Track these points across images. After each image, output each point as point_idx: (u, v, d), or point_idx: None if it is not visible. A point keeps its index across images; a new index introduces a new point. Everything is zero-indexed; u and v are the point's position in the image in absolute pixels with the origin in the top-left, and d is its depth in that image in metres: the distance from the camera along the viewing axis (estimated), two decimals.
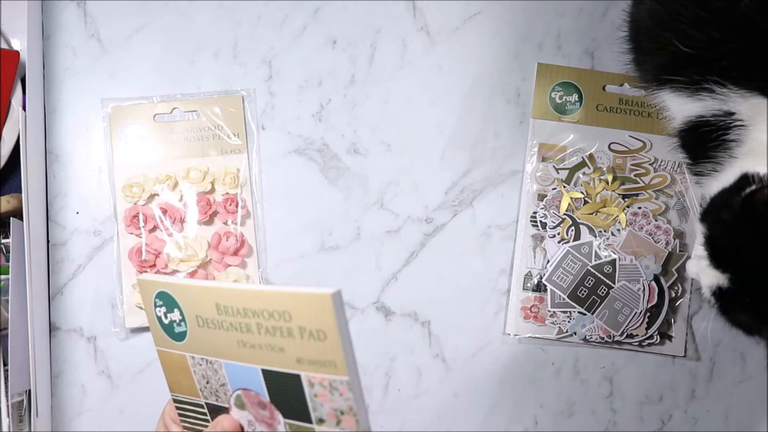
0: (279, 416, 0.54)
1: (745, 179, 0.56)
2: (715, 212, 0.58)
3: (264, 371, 0.52)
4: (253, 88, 0.76)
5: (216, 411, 0.56)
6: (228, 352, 0.53)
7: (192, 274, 0.72)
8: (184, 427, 0.57)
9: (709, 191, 0.61)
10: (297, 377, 0.51)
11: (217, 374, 0.54)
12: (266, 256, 0.74)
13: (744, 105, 0.56)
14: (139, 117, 0.75)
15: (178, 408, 0.57)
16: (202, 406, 0.56)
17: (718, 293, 0.57)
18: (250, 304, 0.51)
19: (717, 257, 0.57)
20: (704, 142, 0.59)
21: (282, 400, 0.53)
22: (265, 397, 0.53)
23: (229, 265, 0.73)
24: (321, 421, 0.52)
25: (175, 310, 0.54)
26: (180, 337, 0.55)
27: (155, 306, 0.54)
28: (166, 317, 0.54)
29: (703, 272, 0.59)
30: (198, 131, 0.75)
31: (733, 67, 0.56)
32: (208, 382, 0.55)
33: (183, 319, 0.54)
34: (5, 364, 0.68)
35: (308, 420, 0.52)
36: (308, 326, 0.49)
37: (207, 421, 0.56)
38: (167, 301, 0.54)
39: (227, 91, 0.76)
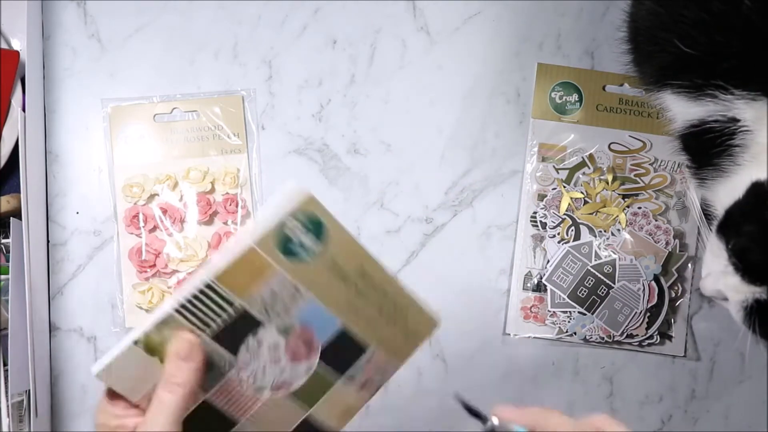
0: (316, 358, 0.60)
1: (759, 187, 0.55)
2: (736, 225, 0.57)
3: (344, 330, 0.60)
4: (253, 88, 0.76)
5: (242, 318, 0.58)
6: (327, 298, 0.59)
7: (192, 274, 0.72)
8: (182, 305, 0.56)
9: (712, 195, 0.61)
10: (366, 347, 0.61)
11: (294, 301, 0.59)
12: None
13: (748, 109, 0.55)
14: (139, 117, 0.75)
15: (201, 293, 0.55)
16: (231, 304, 0.57)
17: (756, 307, 0.56)
18: (389, 288, 0.60)
19: (750, 270, 0.55)
20: (707, 147, 0.59)
21: (332, 351, 0.60)
22: (320, 341, 0.60)
23: None
24: (351, 378, 0.61)
25: (318, 239, 0.58)
26: (295, 257, 0.58)
27: (295, 219, 0.57)
28: (295, 235, 0.58)
29: (732, 288, 0.57)
30: (198, 131, 0.75)
31: (736, 70, 0.55)
32: (271, 298, 0.58)
33: (314, 251, 0.58)
34: (5, 364, 0.68)
35: (340, 372, 0.61)
36: (409, 327, 0.61)
37: (219, 317, 0.57)
38: (315, 227, 0.58)
39: (227, 91, 0.76)
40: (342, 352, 0.61)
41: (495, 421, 0.54)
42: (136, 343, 0.55)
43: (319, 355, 0.60)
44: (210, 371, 0.58)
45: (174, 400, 0.53)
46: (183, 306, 0.56)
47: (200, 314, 0.56)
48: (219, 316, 0.57)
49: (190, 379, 0.54)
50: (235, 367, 0.59)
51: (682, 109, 0.61)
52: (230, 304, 0.57)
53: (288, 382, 0.60)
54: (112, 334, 0.73)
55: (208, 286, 0.56)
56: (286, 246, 0.58)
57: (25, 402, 0.70)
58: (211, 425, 0.59)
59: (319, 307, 0.60)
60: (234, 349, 0.58)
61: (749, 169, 0.56)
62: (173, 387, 0.53)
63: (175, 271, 0.73)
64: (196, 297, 0.56)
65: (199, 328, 0.57)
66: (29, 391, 0.67)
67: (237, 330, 0.58)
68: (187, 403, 0.54)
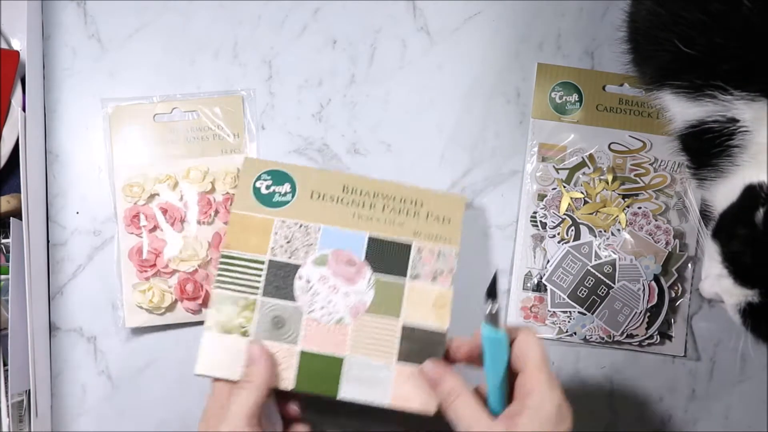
0: (367, 272, 0.67)
1: (751, 191, 0.55)
2: (729, 229, 0.57)
3: (371, 238, 0.68)
4: (253, 88, 0.76)
5: (276, 267, 0.67)
6: (335, 220, 0.68)
7: (193, 274, 0.72)
8: (217, 281, 0.66)
9: (711, 196, 0.61)
10: (408, 244, 0.68)
11: (308, 236, 0.67)
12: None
13: (747, 110, 0.55)
14: (139, 117, 0.75)
15: (223, 263, 0.66)
16: (261, 262, 0.67)
17: (749, 310, 0.56)
18: (384, 191, 0.69)
19: (742, 274, 0.56)
20: (706, 148, 0.59)
21: (379, 259, 0.67)
22: (360, 257, 0.67)
23: None
24: (416, 276, 0.67)
25: (286, 184, 0.68)
26: (278, 204, 0.68)
27: (257, 179, 0.69)
28: (267, 189, 0.68)
29: (727, 292, 0.57)
30: (198, 131, 0.75)
31: (736, 71, 0.55)
32: (288, 242, 0.67)
33: (292, 192, 0.68)
34: (5, 364, 0.68)
35: (402, 275, 0.67)
36: (437, 213, 0.69)
37: (258, 276, 0.66)
38: (278, 177, 0.69)
39: (227, 91, 0.76)
40: (389, 258, 0.67)
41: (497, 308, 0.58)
42: (209, 330, 0.65)
43: (368, 268, 0.67)
44: (284, 326, 0.65)
45: (245, 394, 0.60)
46: (220, 282, 0.66)
47: (240, 281, 0.66)
48: (257, 275, 0.66)
49: (260, 372, 0.61)
50: (304, 312, 0.66)
51: (681, 110, 0.61)
52: (258, 261, 0.66)
53: (359, 302, 0.66)
54: (112, 334, 0.74)
55: (225, 257, 0.66)
56: (266, 199, 0.68)
57: (25, 402, 0.70)
58: (322, 371, 0.65)
59: (334, 231, 0.68)
60: (291, 296, 0.66)
61: (747, 169, 0.56)
62: (244, 383, 0.61)
63: (175, 271, 0.72)
64: (224, 270, 0.66)
65: (249, 292, 0.66)
66: (29, 391, 0.67)
67: (280, 279, 0.66)
68: (262, 394, 0.61)
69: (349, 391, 0.65)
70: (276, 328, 0.65)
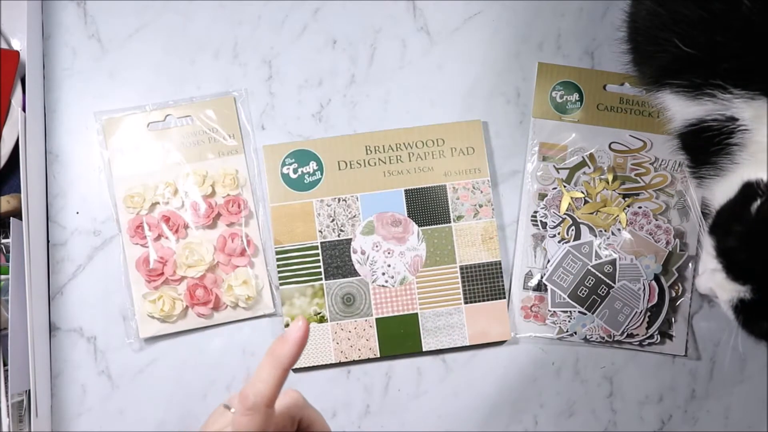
0: (414, 227, 0.70)
1: (749, 187, 0.55)
2: (725, 224, 0.57)
3: (407, 191, 0.70)
4: (245, 88, 0.76)
5: (330, 248, 0.70)
6: (370, 185, 0.70)
7: (201, 279, 0.72)
8: (281, 277, 0.69)
9: (710, 195, 0.61)
10: (443, 188, 0.71)
11: (349, 209, 0.70)
12: (273, 255, 0.74)
13: (747, 108, 0.55)
14: (133, 127, 0.75)
15: (280, 259, 0.70)
16: (315, 248, 0.70)
17: (741, 306, 0.57)
18: (404, 139, 0.71)
19: (735, 270, 0.56)
20: (705, 146, 0.59)
21: (421, 212, 0.70)
22: (403, 214, 0.70)
23: (237, 266, 0.73)
24: (459, 217, 0.71)
25: (312, 162, 0.71)
26: (311, 185, 0.70)
27: (283, 166, 0.71)
28: (295, 172, 0.70)
29: (720, 287, 0.58)
30: (193, 136, 0.75)
31: (735, 70, 0.56)
32: (333, 220, 0.70)
33: (319, 168, 0.70)
34: (5, 364, 0.68)
35: (447, 220, 0.70)
36: (459, 145, 0.72)
37: (317, 262, 0.70)
38: (301, 157, 0.71)
39: (219, 93, 0.76)
40: (429, 206, 0.70)
41: None
42: (287, 325, 0.68)
43: (413, 223, 0.70)
44: (354, 301, 0.69)
45: (271, 372, 0.56)
46: (282, 278, 0.69)
47: (301, 271, 0.69)
48: (315, 261, 0.69)
49: (290, 353, 0.57)
50: (369, 282, 0.70)
51: (680, 109, 0.61)
52: (312, 248, 0.70)
53: (416, 258, 0.70)
54: (126, 345, 0.73)
55: (279, 252, 0.70)
56: (297, 183, 0.70)
57: (25, 402, 0.70)
58: (401, 332, 0.70)
59: (372, 195, 0.70)
60: (353, 271, 0.70)
61: (745, 168, 0.56)
62: (271, 359, 0.57)
63: (183, 278, 0.72)
64: (283, 266, 0.69)
65: (313, 279, 0.69)
66: (29, 391, 0.67)
67: (337, 258, 0.70)
68: (285, 374, 0.57)
69: (430, 342, 0.70)
70: (348, 305, 0.69)
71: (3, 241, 0.72)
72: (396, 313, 0.70)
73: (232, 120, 0.76)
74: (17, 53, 0.73)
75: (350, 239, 0.70)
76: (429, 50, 0.78)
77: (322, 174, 0.70)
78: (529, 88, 0.78)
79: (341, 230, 0.70)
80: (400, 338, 0.70)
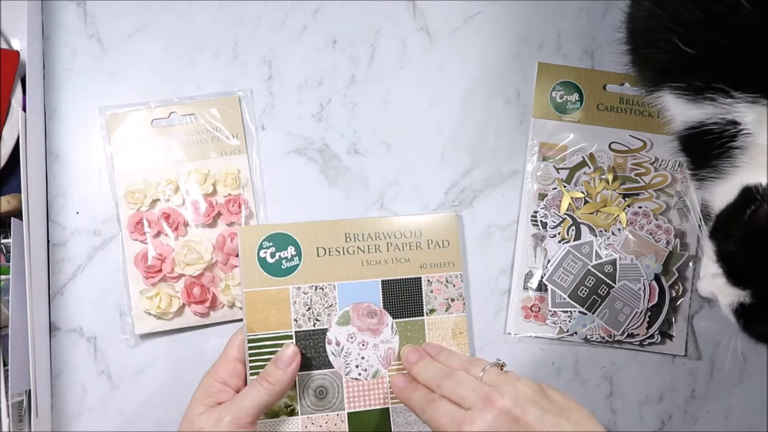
0: (388, 319, 0.68)
1: (748, 192, 0.55)
2: (724, 229, 0.57)
3: (384, 282, 0.69)
4: (250, 88, 0.76)
5: (305, 338, 0.67)
6: (347, 273, 0.68)
7: (198, 277, 0.72)
8: (251, 367, 0.66)
9: (711, 197, 0.61)
10: (417, 279, 0.69)
11: (325, 298, 0.68)
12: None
13: (748, 112, 0.55)
14: (137, 123, 0.75)
15: (252, 348, 0.66)
16: (289, 336, 0.67)
17: (741, 310, 0.57)
18: (384, 229, 0.70)
19: (734, 274, 0.56)
20: (706, 149, 0.59)
21: (396, 304, 0.68)
22: (378, 305, 0.68)
23: (235, 266, 0.73)
24: (432, 311, 0.69)
25: (290, 247, 0.68)
26: (288, 271, 0.68)
27: (260, 249, 0.68)
28: (273, 257, 0.68)
29: (721, 291, 0.58)
30: (197, 134, 0.75)
31: (736, 72, 0.56)
32: (309, 309, 0.67)
33: (298, 254, 0.68)
34: (5, 364, 0.68)
35: (420, 313, 0.69)
36: (435, 238, 0.71)
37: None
38: (279, 241, 0.68)
39: (224, 92, 0.76)
40: (404, 298, 0.69)
41: None
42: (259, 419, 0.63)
43: (388, 315, 0.68)
44: (327, 395, 0.67)
45: (260, 392, 0.62)
46: (253, 368, 0.65)
47: (263, 361, 0.65)
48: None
49: (282, 379, 0.63)
50: (343, 375, 0.67)
51: (681, 111, 0.61)
52: (285, 337, 0.66)
53: (388, 351, 0.68)
54: (121, 341, 0.73)
55: (251, 341, 0.66)
56: (274, 268, 0.68)
57: (25, 402, 0.70)
58: (372, 426, 0.67)
59: (349, 285, 0.68)
60: (327, 363, 0.67)
61: (746, 171, 0.56)
62: (265, 382, 0.63)
63: (181, 275, 0.72)
64: (254, 355, 0.66)
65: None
66: (29, 391, 0.67)
67: (311, 349, 0.67)
68: (273, 399, 0.63)
69: None
70: (320, 398, 0.67)
71: (3, 241, 0.72)
72: (368, 408, 0.68)
73: (236, 120, 0.76)
74: (17, 53, 0.73)
75: (326, 329, 0.68)
76: (429, 50, 0.78)
77: (300, 260, 0.68)
78: (529, 88, 0.78)
79: (317, 319, 0.68)
80: (373, 423, 0.68)
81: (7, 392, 0.68)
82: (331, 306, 0.68)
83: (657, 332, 0.75)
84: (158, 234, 0.73)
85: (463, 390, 0.56)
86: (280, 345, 0.66)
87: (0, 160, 0.72)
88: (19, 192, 0.69)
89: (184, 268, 0.72)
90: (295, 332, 0.67)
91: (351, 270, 0.69)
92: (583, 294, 0.74)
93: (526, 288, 0.75)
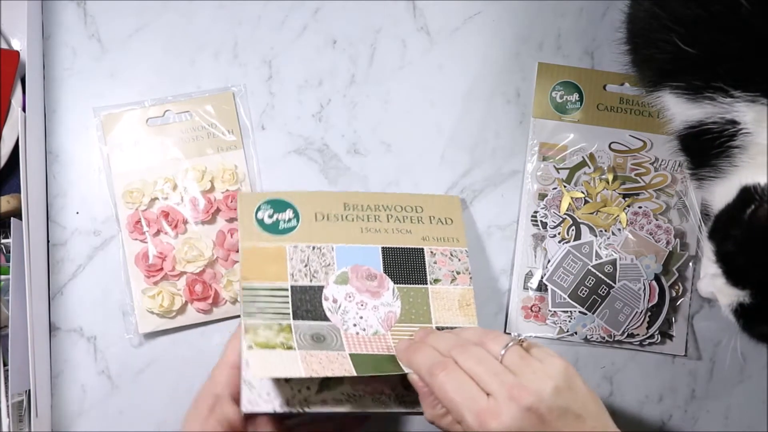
0: (389, 284, 0.68)
1: (746, 192, 0.55)
2: (723, 229, 0.57)
3: (384, 249, 0.68)
4: (244, 83, 0.76)
5: (300, 292, 0.66)
6: (345, 238, 0.68)
7: (200, 274, 0.72)
8: (246, 314, 0.64)
9: (710, 197, 0.61)
10: (420, 250, 0.69)
11: (323, 258, 0.67)
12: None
13: (748, 111, 0.55)
14: (132, 123, 0.75)
15: (247, 296, 0.65)
16: (285, 289, 0.66)
17: (740, 310, 0.57)
18: (383, 203, 0.70)
19: (734, 274, 0.56)
20: (705, 148, 0.59)
21: (397, 270, 0.68)
22: (378, 269, 0.67)
23: (236, 262, 0.73)
24: (436, 281, 0.68)
25: (287, 210, 0.68)
26: (286, 231, 0.68)
27: (258, 210, 0.68)
28: (270, 218, 0.68)
29: (720, 291, 0.58)
30: (192, 131, 0.75)
31: (735, 72, 0.56)
32: (306, 266, 0.66)
33: (295, 217, 0.68)
34: (5, 364, 0.68)
35: (423, 282, 0.68)
36: (437, 215, 0.71)
37: (285, 302, 0.65)
38: (278, 205, 0.68)
39: (218, 88, 0.76)
40: (406, 266, 0.68)
41: None
42: (250, 349, 0.62)
43: (389, 279, 0.67)
44: (325, 339, 0.65)
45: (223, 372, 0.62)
46: (248, 313, 0.64)
47: (269, 309, 0.64)
48: (284, 302, 0.65)
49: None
50: (341, 329, 0.66)
51: (681, 110, 0.61)
52: (281, 289, 0.65)
53: (389, 314, 0.67)
54: (125, 340, 0.73)
55: (246, 288, 0.65)
56: (272, 227, 0.68)
57: (25, 402, 0.70)
58: (377, 363, 0.64)
59: (348, 247, 0.68)
60: (323, 317, 0.66)
61: (745, 170, 0.56)
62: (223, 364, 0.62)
63: (182, 273, 0.72)
64: (249, 302, 0.64)
65: (280, 318, 0.64)
66: (29, 391, 0.67)
67: (307, 303, 0.66)
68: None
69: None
70: (318, 342, 0.64)
71: (3, 241, 0.72)
72: (371, 352, 0.64)
73: (231, 115, 0.76)
74: (17, 53, 0.73)
75: (322, 286, 0.67)
76: (429, 50, 0.78)
77: (297, 222, 0.68)
78: (529, 88, 0.78)
79: (314, 276, 0.66)
80: (377, 364, 0.63)
81: (7, 392, 0.68)
82: (328, 266, 0.67)
83: (657, 332, 0.75)
84: (158, 233, 0.73)
85: (482, 371, 0.53)
86: (276, 296, 0.65)
87: (0, 160, 0.72)
88: (19, 192, 0.69)
89: (185, 265, 0.72)
90: (291, 286, 0.66)
91: (350, 235, 0.68)
92: (583, 294, 0.74)
93: (526, 288, 0.75)
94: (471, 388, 0.52)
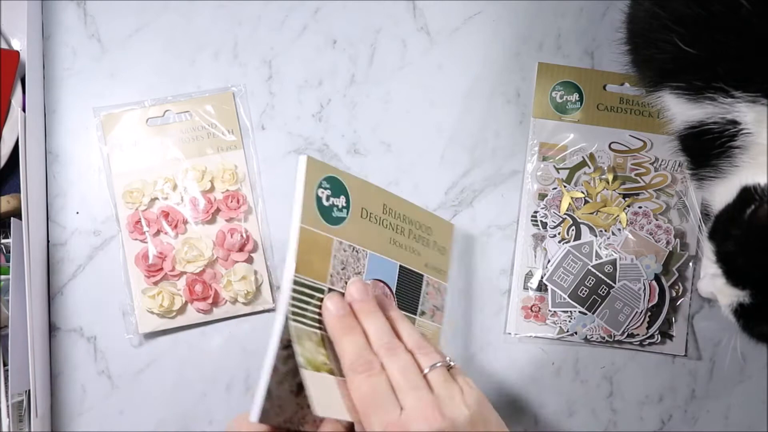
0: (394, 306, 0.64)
1: (746, 192, 0.55)
2: (723, 229, 0.57)
3: (401, 267, 0.66)
4: (244, 83, 0.76)
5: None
6: (378, 245, 0.64)
7: (200, 274, 0.72)
8: (294, 314, 0.56)
9: (710, 197, 0.61)
10: (421, 276, 0.67)
11: (358, 262, 0.62)
12: (272, 250, 0.74)
13: (748, 111, 0.55)
14: (132, 122, 0.75)
15: (296, 291, 0.57)
16: (322, 291, 0.59)
17: (740, 311, 0.57)
18: (409, 214, 0.67)
19: (734, 274, 0.56)
20: (706, 149, 0.59)
21: (403, 294, 0.66)
22: (393, 288, 0.65)
23: (236, 262, 0.73)
24: (423, 313, 0.67)
25: (342, 197, 0.62)
26: (337, 221, 0.61)
27: (319, 187, 0.60)
28: (328, 200, 0.61)
29: (720, 291, 0.58)
30: (192, 131, 0.75)
31: (736, 72, 0.56)
32: (344, 269, 0.61)
33: (347, 207, 0.62)
34: (5, 364, 0.68)
35: (414, 312, 0.67)
36: (438, 241, 0.69)
37: (318, 307, 0.58)
38: (336, 186, 0.61)
39: (218, 88, 0.76)
40: (409, 291, 0.66)
41: None
42: (305, 368, 0.54)
43: (395, 302, 0.65)
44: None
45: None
46: (295, 314, 0.56)
47: (309, 313, 0.57)
48: (317, 306, 0.58)
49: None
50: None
51: (681, 111, 0.61)
52: (319, 290, 0.59)
53: None
54: (125, 340, 0.73)
55: (297, 283, 0.57)
56: (327, 212, 0.61)
57: (25, 402, 0.70)
58: None
59: (378, 258, 0.64)
60: None
61: (746, 170, 0.56)
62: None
63: (182, 273, 0.72)
64: (297, 300, 0.56)
65: (317, 327, 0.57)
66: (29, 391, 0.67)
67: None
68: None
69: None
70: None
71: (3, 241, 0.72)
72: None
73: (231, 115, 0.76)
74: (17, 53, 0.73)
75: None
76: (429, 50, 0.78)
77: (347, 213, 0.62)
78: (529, 88, 0.78)
79: (346, 282, 0.60)
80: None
81: (7, 392, 0.68)
82: (359, 273, 0.62)
83: (657, 332, 0.75)
84: (158, 233, 0.73)
85: (403, 382, 0.52)
86: (315, 299, 0.58)
87: (0, 160, 0.72)
88: (19, 192, 0.69)
89: (185, 265, 0.72)
90: (328, 288, 0.59)
91: (381, 243, 0.64)
92: (583, 294, 0.74)
93: (526, 288, 0.75)
94: (386, 398, 0.51)
